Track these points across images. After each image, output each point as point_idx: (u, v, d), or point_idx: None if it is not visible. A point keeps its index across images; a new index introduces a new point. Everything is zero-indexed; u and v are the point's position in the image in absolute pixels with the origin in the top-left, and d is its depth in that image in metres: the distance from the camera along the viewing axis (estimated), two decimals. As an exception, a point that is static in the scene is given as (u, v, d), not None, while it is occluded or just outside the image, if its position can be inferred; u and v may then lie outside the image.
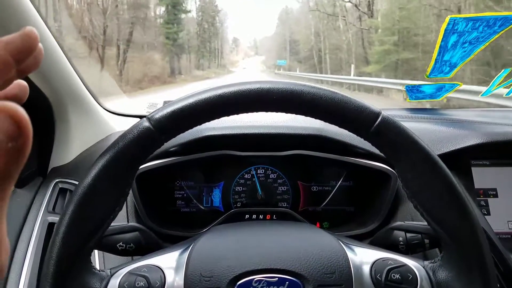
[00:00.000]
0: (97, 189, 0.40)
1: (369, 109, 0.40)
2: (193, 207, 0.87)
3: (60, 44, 0.75)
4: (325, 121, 0.42)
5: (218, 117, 0.42)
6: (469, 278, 0.41)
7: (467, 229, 0.40)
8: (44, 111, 0.78)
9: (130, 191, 0.73)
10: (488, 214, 0.74)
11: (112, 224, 0.44)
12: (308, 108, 0.41)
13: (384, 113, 0.40)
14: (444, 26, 1.04)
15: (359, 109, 0.40)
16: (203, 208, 0.87)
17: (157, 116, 0.41)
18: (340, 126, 0.42)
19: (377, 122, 0.40)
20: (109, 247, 0.52)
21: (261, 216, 0.85)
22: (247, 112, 0.42)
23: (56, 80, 0.74)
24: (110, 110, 0.96)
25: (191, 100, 0.41)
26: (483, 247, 0.40)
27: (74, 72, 0.81)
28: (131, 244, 0.54)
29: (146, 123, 0.41)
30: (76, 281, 0.41)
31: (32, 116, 0.65)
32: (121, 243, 0.53)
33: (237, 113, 0.42)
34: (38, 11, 0.67)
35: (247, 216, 0.86)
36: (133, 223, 0.56)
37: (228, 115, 0.42)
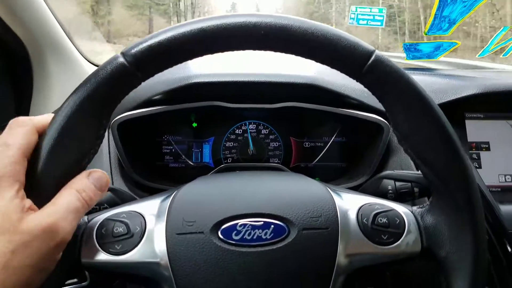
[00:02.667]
0: (69, 130, 0.37)
1: (362, 46, 0.37)
2: (182, 163, 0.86)
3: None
4: (315, 60, 0.39)
5: (200, 54, 0.39)
6: (457, 221, 0.41)
7: (458, 170, 0.39)
8: (21, 58, 0.75)
9: (112, 142, 0.72)
10: (480, 167, 0.74)
11: None
12: (298, 45, 0.38)
13: (378, 51, 0.38)
14: (445, -22, 1.00)
15: (353, 46, 0.37)
16: (192, 163, 0.86)
17: (133, 51, 0.37)
18: (331, 65, 0.39)
19: (370, 60, 0.37)
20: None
21: (252, 172, 0.84)
22: (232, 49, 0.39)
23: (33, 24, 0.71)
24: (93, 62, 0.92)
25: (169, 34, 0.38)
26: (473, 190, 0.39)
27: (53, 17, 0.77)
28: (105, 204, 0.52)
29: (120, 59, 0.37)
30: None
31: (8, 64, 0.62)
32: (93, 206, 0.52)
33: (222, 51, 0.39)
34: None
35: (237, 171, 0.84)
36: None
37: (211, 52, 0.39)
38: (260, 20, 0.37)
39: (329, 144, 0.86)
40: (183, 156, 0.86)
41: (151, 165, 0.83)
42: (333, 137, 0.86)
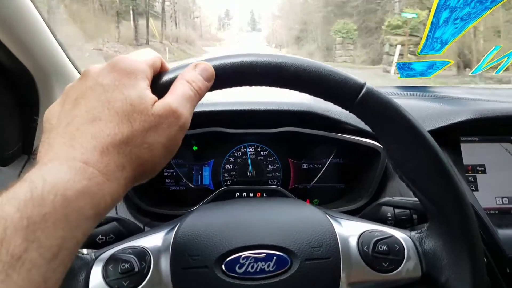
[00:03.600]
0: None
1: (353, 80, 0.39)
2: (183, 186, 0.87)
3: (41, 12, 0.73)
4: (309, 94, 0.41)
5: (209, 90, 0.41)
6: (455, 247, 0.42)
7: (452, 197, 0.40)
8: (27, 86, 0.76)
9: None
10: (476, 190, 0.75)
11: None
12: (292, 81, 0.40)
13: (369, 84, 0.39)
14: (436, 1, 1.03)
15: (344, 80, 0.39)
16: (193, 186, 0.87)
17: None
18: (324, 99, 0.41)
19: (361, 93, 0.39)
20: (88, 243, 0.51)
21: (251, 194, 0.85)
22: (230, 87, 0.41)
23: (38, 52, 0.72)
24: None
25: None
26: (468, 215, 0.40)
27: (57, 44, 0.79)
28: (111, 235, 0.53)
29: None
30: None
31: (15, 91, 0.63)
32: (100, 236, 0.52)
33: (220, 88, 0.41)
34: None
35: (237, 194, 0.85)
36: (108, 214, 0.56)
37: (210, 90, 0.41)
38: (256, 59, 0.39)
39: (326, 165, 0.87)
40: (184, 179, 0.87)
41: (152, 189, 0.83)
42: (330, 159, 0.87)
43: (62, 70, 0.80)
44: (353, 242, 0.46)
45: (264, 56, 0.39)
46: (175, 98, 0.35)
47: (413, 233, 0.48)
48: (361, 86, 0.39)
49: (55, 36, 0.78)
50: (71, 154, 0.29)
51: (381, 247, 0.45)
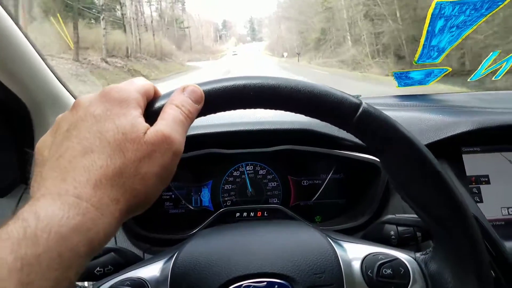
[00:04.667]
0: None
1: (349, 100, 0.38)
2: (182, 208, 0.85)
3: (33, 43, 0.73)
4: (305, 115, 0.40)
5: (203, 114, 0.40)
6: (461, 268, 0.40)
7: (457, 218, 0.38)
8: (22, 116, 0.76)
9: None
10: (481, 201, 0.73)
11: None
12: (286, 103, 0.39)
13: (365, 103, 0.38)
14: (430, 11, 1.02)
15: (339, 101, 0.38)
16: (192, 208, 0.85)
17: None
18: (321, 120, 0.40)
19: (358, 113, 0.37)
20: (86, 275, 0.50)
21: (252, 214, 0.84)
22: (223, 110, 0.40)
23: (30, 82, 0.72)
24: None
25: None
26: (474, 235, 0.38)
27: (51, 73, 0.78)
28: (109, 266, 0.52)
29: None
30: None
31: (9, 122, 0.62)
32: (98, 268, 0.51)
33: (214, 112, 0.40)
34: (8, 12, 0.65)
35: (237, 214, 0.84)
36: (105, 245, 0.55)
37: (204, 114, 0.40)
38: (249, 82, 0.38)
39: (326, 181, 0.86)
40: (183, 201, 0.85)
41: (151, 213, 0.82)
42: (330, 174, 0.86)
43: (56, 98, 0.80)
44: (356, 266, 0.45)
45: (256, 78, 0.39)
46: (166, 123, 0.34)
47: (418, 254, 0.47)
48: (357, 105, 0.38)
49: (47, 63, 0.78)
50: (64, 188, 0.28)
51: (385, 271, 0.44)
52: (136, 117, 0.33)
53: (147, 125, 0.33)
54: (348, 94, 0.39)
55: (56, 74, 0.80)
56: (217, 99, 0.38)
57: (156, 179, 0.32)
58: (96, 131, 0.31)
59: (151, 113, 0.36)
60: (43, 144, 0.33)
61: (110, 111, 0.32)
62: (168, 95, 0.38)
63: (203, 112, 0.39)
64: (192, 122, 0.37)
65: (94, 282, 0.46)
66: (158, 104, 0.37)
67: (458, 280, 0.41)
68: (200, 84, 0.39)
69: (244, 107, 0.40)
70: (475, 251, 0.39)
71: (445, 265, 0.42)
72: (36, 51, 0.74)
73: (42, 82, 0.75)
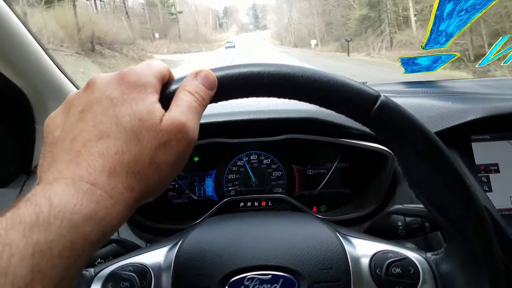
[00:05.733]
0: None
1: (367, 92, 0.36)
2: (185, 198, 0.85)
3: (33, 33, 0.71)
4: (320, 106, 0.38)
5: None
6: (475, 271, 0.39)
7: (473, 220, 0.37)
8: (23, 106, 0.74)
9: None
10: (490, 190, 0.71)
11: None
12: (301, 92, 0.37)
13: (384, 96, 0.36)
14: (439, -6, 0.99)
15: (357, 92, 0.36)
16: (195, 198, 0.84)
17: None
18: (336, 111, 0.38)
19: (376, 106, 0.36)
20: (88, 266, 0.49)
21: (256, 204, 0.83)
22: (236, 98, 0.39)
23: (31, 72, 0.71)
24: None
25: None
26: (490, 239, 0.37)
27: (51, 62, 0.77)
28: (110, 257, 0.51)
29: None
30: None
31: (11, 112, 0.61)
32: (99, 259, 0.51)
33: (226, 99, 0.39)
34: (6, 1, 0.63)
35: (241, 204, 0.83)
36: None
37: (215, 101, 0.38)
38: (263, 69, 0.37)
39: (331, 170, 0.84)
40: (187, 191, 0.84)
41: (154, 203, 0.81)
42: (336, 163, 0.84)
43: (56, 86, 0.79)
44: (365, 264, 0.44)
45: (272, 66, 0.37)
46: (181, 110, 0.33)
47: (429, 254, 0.45)
48: (376, 98, 0.36)
49: (47, 52, 0.76)
50: (78, 174, 0.27)
51: (394, 270, 0.43)
52: (153, 103, 0.32)
53: (163, 111, 0.33)
54: (366, 86, 0.37)
55: (56, 63, 0.79)
56: (230, 86, 0.37)
57: (170, 168, 0.32)
58: (113, 115, 0.30)
59: (165, 98, 0.35)
60: (54, 122, 0.33)
61: (127, 95, 0.31)
62: (182, 79, 0.37)
63: (215, 98, 0.37)
64: (205, 108, 0.36)
65: (96, 267, 0.45)
66: (172, 89, 0.36)
67: (470, 283, 0.40)
68: (213, 70, 0.37)
69: (257, 95, 0.39)
70: (489, 254, 0.37)
71: (457, 267, 0.41)
72: (36, 40, 0.72)
73: (42, 71, 0.74)
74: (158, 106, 0.33)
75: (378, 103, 0.36)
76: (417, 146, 0.37)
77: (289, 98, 0.38)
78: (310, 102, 0.38)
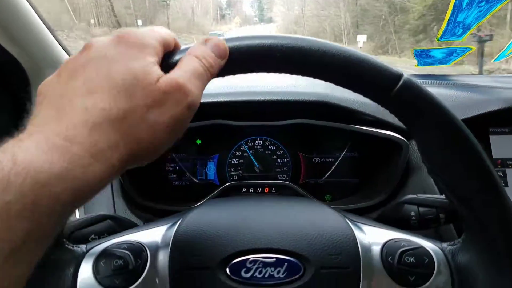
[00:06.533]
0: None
1: (389, 70, 0.34)
2: (186, 180, 0.82)
3: (35, 7, 0.69)
4: (336, 84, 0.36)
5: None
6: (495, 265, 0.36)
7: (497, 211, 0.34)
8: (20, 80, 0.72)
9: None
10: (506, 185, 0.69)
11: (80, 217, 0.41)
12: (317, 69, 0.35)
13: (406, 75, 0.34)
14: (459, -17, 0.96)
15: (378, 70, 0.34)
16: (197, 181, 0.82)
17: None
18: (354, 91, 0.36)
19: (398, 85, 0.33)
20: (81, 242, 0.47)
21: (259, 190, 0.80)
22: (244, 72, 0.36)
23: (31, 46, 0.69)
24: None
25: None
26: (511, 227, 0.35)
27: (52, 37, 0.74)
28: (104, 234, 0.49)
29: None
30: (46, 257, 0.37)
31: (7, 86, 0.58)
32: (93, 235, 0.48)
33: (233, 73, 0.36)
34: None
35: (244, 189, 0.80)
36: (102, 212, 0.51)
37: (221, 75, 0.36)
38: (276, 41, 0.34)
39: (339, 159, 0.82)
40: (188, 174, 0.82)
41: (153, 184, 0.79)
42: (344, 152, 0.81)
43: (57, 63, 0.76)
44: (376, 251, 0.41)
45: (285, 38, 0.35)
46: (182, 73, 0.31)
47: (445, 244, 0.43)
48: (398, 77, 0.34)
49: (48, 27, 0.74)
50: (55, 130, 0.26)
51: (407, 259, 0.40)
52: (151, 63, 0.30)
53: (161, 73, 0.31)
54: (387, 64, 0.35)
55: (58, 40, 0.76)
56: (238, 58, 0.34)
57: (165, 130, 0.30)
58: (105, 72, 0.28)
59: (168, 64, 0.33)
60: (46, 85, 0.30)
61: (123, 54, 0.30)
62: (189, 48, 0.34)
63: (221, 72, 0.35)
64: (212, 77, 0.34)
65: (88, 243, 0.43)
66: (177, 56, 0.34)
67: (489, 275, 0.37)
68: (225, 39, 0.35)
69: (268, 70, 0.36)
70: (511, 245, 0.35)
71: (476, 259, 0.39)
72: (38, 15, 0.70)
73: (43, 47, 0.72)
74: (157, 68, 0.31)
75: (401, 82, 0.33)
76: (440, 130, 0.34)
77: (303, 74, 0.36)
78: (326, 79, 0.36)
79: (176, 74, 0.31)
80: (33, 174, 0.23)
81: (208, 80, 0.34)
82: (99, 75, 0.28)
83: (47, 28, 0.74)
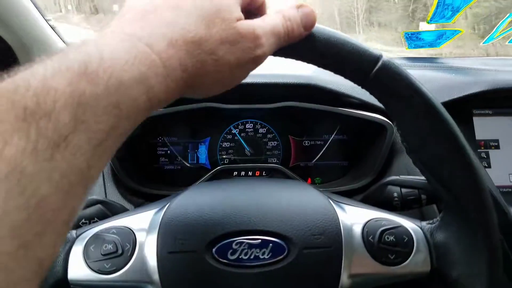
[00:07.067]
0: None
1: (368, 51, 0.35)
2: (178, 164, 0.83)
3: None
4: (317, 65, 0.36)
5: None
6: (471, 241, 0.38)
7: (473, 188, 0.36)
8: (7, 59, 0.71)
9: None
10: (489, 166, 0.70)
11: None
12: (297, 50, 0.36)
13: (385, 57, 0.35)
14: (448, -35, 0.96)
15: (357, 51, 0.34)
16: (188, 165, 0.83)
17: None
18: (334, 72, 0.37)
19: (377, 66, 0.34)
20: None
21: (250, 173, 0.82)
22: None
23: (16, 24, 0.67)
24: None
25: None
26: (488, 208, 0.36)
27: (41, 17, 0.74)
28: (95, 218, 0.50)
29: None
30: None
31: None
32: (83, 219, 0.49)
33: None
34: None
35: (235, 173, 0.82)
36: (92, 196, 0.52)
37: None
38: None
39: (329, 142, 0.83)
40: (179, 158, 0.83)
41: (145, 168, 0.80)
42: (333, 135, 0.83)
43: (44, 41, 0.76)
44: (357, 230, 0.43)
45: None
46: (262, 24, 0.31)
47: (424, 223, 0.44)
48: (377, 58, 0.34)
49: (37, 8, 0.73)
50: (138, 33, 0.26)
51: (388, 238, 0.42)
52: (234, 2, 0.31)
53: (242, 15, 0.31)
54: (367, 46, 0.35)
55: (45, 17, 0.75)
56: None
57: (227, 68, 0.30)
58: None
59: (251, 11, 0.33)
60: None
61: None
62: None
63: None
64: (288, 42, 0.34)
65: (78, 229, 0.44)
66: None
67: (466, 252, 0.39)
68: None
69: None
70: (488, 225, 0.36)
71: (453, 237, 0.40)
72: None
73: (29, 25, 0.70)
74: (238, 9, 0.31)
75: (380, 63, 0.34)
76: (416, 110, 0.35)
77: (284, 56, 0.36)
78: (306, 61, 0.36)
79: (257, 23, 0.31)
80: (118, 74, 0.23)
81: (283, 44, 0.34)
82: None
83: (34, 6, 0.73)
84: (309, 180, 0.82)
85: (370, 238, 0.42)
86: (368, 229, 0.43)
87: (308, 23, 0.34)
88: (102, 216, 0.51)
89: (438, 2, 1.07)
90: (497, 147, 0.71)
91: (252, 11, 0.34)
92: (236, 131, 0.83)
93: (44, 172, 0.19)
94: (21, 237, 0.18)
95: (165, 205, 0.45)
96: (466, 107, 0.71)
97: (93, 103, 0.22)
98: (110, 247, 0.40)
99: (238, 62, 0.30)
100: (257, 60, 0.32)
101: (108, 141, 0.23)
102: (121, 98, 0.23)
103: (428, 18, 1.14)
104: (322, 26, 0.35)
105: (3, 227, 0.17)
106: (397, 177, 0.55)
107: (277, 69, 0.75)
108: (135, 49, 0.25)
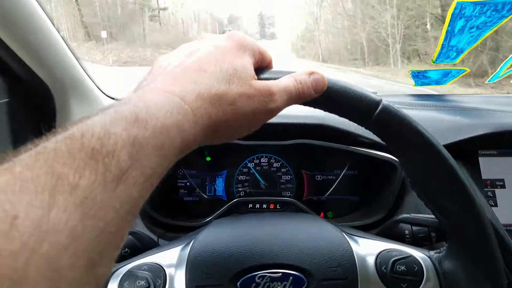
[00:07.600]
0: None
1: (369, 97, 0.38)
2: (196, 196, 0.87)
3: (57, 27, 0.74)
4: (323, 110, 0.41)
5: None
6: (475, 269, 0.41)
7: (472, 218, 0.38)
8: (45, 99, 0.76)
9: None
10: (495, 205, 0.73)
11: None
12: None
13: (385, 101, 0.38)
14: (451, 10, 1.01)
15: (359, 97, 0.38)
16: (206, 196, 0.86)
17: None
18: (339, 115, 0.41)
19: (377, 110, 0.38)
20: None
21: (264, 206, 0.85)
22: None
23: (55, 66, 0.73)
24: (111, 96, 0.94)
25: None
26: (489, 237, 0.39)
27: (74, 58, 0.79)
28: (126, 249, 0.53)
29: None
30: None
31: (32, 104, 0.63)
32: None
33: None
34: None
35: (250, 205, 0.85)
36: None
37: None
38: (268, 76, 0.39)
39: (340, 177, 0.86)
40: (197, 189, 0.87)
41: (166, 200, 0.83)
42: (345, 170, 0.86)
43: (79, 85, 0.81)
44: (371, 261, 0.46)
45: (276, 73, 0.39)
46: (277, 84, 0.37)
47: (432, 252, 0.47)
48: (377, 103, 0.38)
49: (70, 49, 0.78)
50: (171, 89, 0.31)
51: (399, 267, 0.45)
52: (248, 62, 0.36)
53: (254, 74, 0.36)
54: (368, 91, 0.39)
55: (78, 59, 0.81)
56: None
57: (243, 117, 0.35)
58: (214, 58, 0.35)
59: (263, 74, 0.39)
60: (164, 58, 0.37)
61: (231, 48, 0.36)
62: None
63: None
64: (298, 102, 0.39)
65: None
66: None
67: (471, 279, 0.41)
68: None
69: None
70: (490, 252, 0.39)
71: (459, 264, 0.43)
72: (61, 36, 0.75)
73: (65, 66, 0.76)
74: (252, 68, 0.37)
75: (380, 107, 0.38)
76: (416, 148, 0.38)
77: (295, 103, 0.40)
78: (315, 106, 0.40)
79: (272, 83, 0.37)
80: (162, 120, 0.28)
81: (294, 102, 0.38)
82: (209, 58, 0.35)
83: (69, 49, 0.78)
84: (322, 214, 0.85)
85: (383, 268, 0.45)
86: (380, 260, 0.46)
87: (319, 88, 0.38)
88: (132, 247, 0.54)
89: (442, 44, 1.13)
90: (503, 186, 0.73)
91: (263, 68, 0.40)
92: (252, 165, 0.86)
93: (110, 200, 0.23)
94: (89, 254, 0.22)
95: (190, 241, 0.48)
96: (472, 147, 0.74)
97: (144, 143, 0.26)
98: (143, 283, 0.43)
99: (254, 112, 0.35)
100: (271, 112, 0.36)
101: (154, 176, 0.27)
102: (165, 140, 0.28)
103: (434, 58, 1.19)
104: (327, 76, 0.39)
105: (80, 244, 0.21)
106: (408, 215, 0.58)
107: (291, 108, 0.80)
108: (172, 102, 0.30)
